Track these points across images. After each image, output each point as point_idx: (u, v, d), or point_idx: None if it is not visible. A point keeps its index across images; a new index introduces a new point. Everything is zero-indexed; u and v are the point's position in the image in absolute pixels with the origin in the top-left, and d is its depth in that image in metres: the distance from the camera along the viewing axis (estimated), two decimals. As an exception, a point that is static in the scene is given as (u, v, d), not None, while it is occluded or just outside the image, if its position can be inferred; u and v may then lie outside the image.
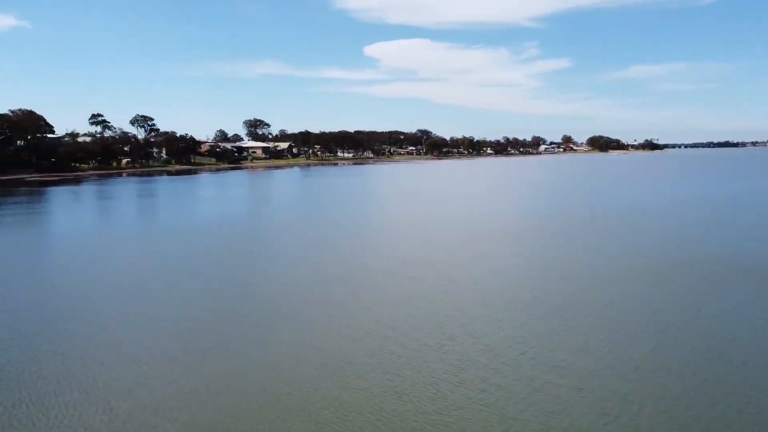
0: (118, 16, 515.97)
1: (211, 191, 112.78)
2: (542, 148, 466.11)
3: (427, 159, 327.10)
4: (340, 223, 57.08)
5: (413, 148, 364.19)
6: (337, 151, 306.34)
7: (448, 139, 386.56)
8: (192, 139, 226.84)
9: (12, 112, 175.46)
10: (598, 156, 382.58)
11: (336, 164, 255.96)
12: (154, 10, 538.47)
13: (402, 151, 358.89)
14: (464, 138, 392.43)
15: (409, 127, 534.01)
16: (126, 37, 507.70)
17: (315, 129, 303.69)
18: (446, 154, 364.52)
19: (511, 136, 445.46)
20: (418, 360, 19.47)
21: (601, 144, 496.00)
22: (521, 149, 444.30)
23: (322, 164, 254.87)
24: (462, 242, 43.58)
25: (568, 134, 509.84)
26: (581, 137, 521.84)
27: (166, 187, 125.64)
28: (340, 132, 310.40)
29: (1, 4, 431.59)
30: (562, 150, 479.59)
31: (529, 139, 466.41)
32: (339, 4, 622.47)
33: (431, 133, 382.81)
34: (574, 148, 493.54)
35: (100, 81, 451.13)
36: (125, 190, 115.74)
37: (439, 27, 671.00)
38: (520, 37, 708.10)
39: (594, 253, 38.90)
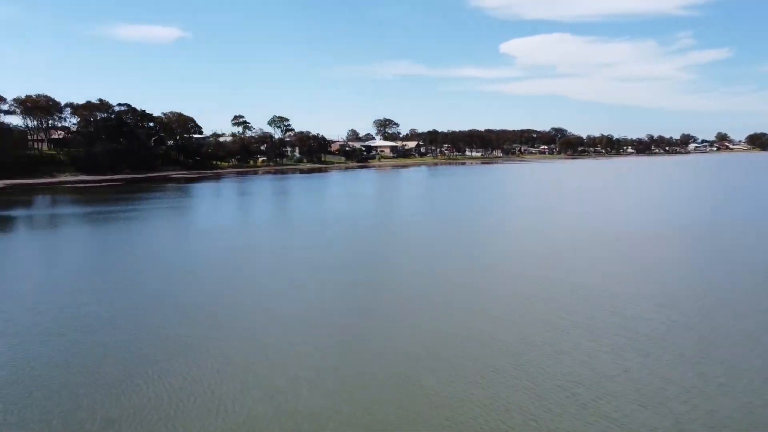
0: (265, 25, 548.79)
1: (342, 188, 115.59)
2: (691, 146, 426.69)
3: (559, 158, 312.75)
4: (444, 225, 54.96)
5: (545, 147, 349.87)
6: (465, 150, 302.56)
7: (584, 137, 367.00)
8: (323, 138, 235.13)
9: (164, 114, 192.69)
10: (760, 155, 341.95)
11: (464, 163, 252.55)
12: (295, 17, 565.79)
13: (533, 150, 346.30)
14: (602, 136, 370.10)
15: (543, 125, 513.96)
16: (271, 44, 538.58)
17: (444, 128, 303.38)
18: (581, 154, 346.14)
19: (655, 134, 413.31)
20: (443, 395, 17.03)
21: (762, 142, 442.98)
22: (667, 148, 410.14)
23: (449, 163, 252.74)
24: (563, 254, 39.68)
25: (724, 131, 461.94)
26: (740, 135, 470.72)
27: (300, 184, 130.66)
28: (469, 131, 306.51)
29: (168, 18, 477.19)
30: (715, 149, 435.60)
31: (676, 137, 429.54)
32: (475, 2, 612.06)
33: (566, 131, 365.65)
34: (730, 146, 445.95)
35: (246, 85, 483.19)
36: (263, 186, 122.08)
37: (580, 20, 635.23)
38: (671, 27, 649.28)
39: (714, 272, 33.49)
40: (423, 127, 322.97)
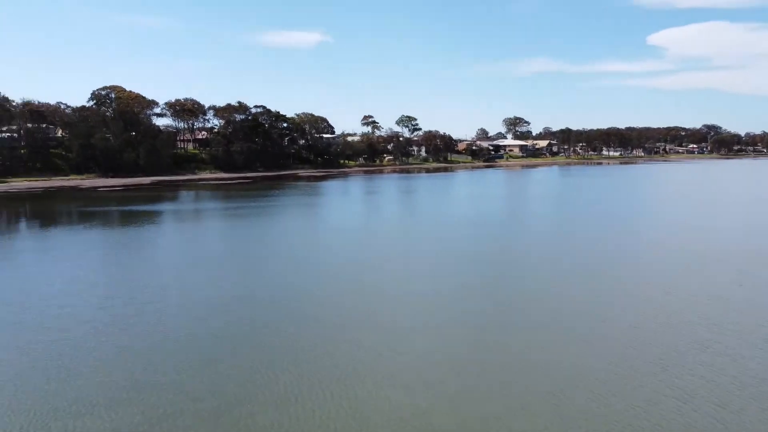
0: (401, 26, 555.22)
1: (467, 188, 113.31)
2: None
3: (711, 158, 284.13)
4: (564, 230, 51.23)
5: (695, 146, 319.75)
6: (601, 150, 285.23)
7: (741, 134, 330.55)
8: (449, 137, 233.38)
9: (297, 115, 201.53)
10: None
11: (600, 163, 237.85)
12: (431, 17, 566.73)
13: (680, 149, 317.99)
14: (764, 133, 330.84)
15: (693, 122, 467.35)
16: (405, 44, 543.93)
17: (579, 126, 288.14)
18: (737, 153, 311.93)
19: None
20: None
21: None
22: None
23: (584, 163, 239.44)
24: (679, 272, 34.96)
25: None
26: None
27: (426, 183, 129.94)
28: (607, 129, 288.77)
29: (310, 22, 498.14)
30: None
31: None
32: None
33: (720, 128, 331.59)
34: None
35: (379, 85, 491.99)
36: (389, 184, 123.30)
37: (741, 6, 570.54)
38: None
39: None
40: (556, 126, 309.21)
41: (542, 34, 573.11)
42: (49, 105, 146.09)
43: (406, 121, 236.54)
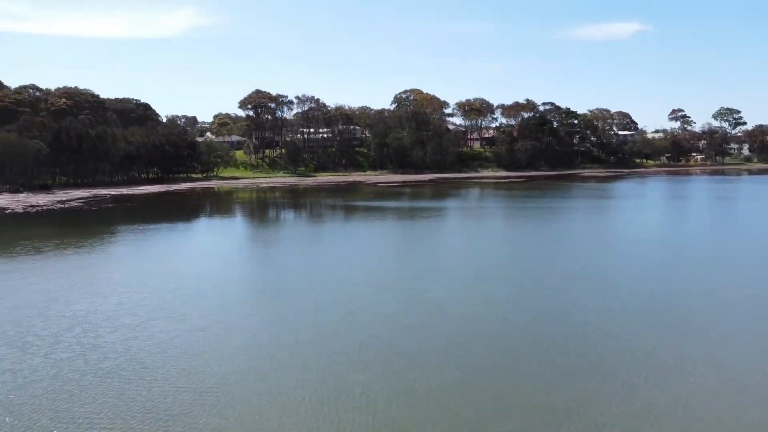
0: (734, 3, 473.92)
1: None
2: None
3: None
4: None
5: None
6: None
7: None
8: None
9: (590, 111, 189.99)
10: None
11: None
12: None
13: None
14: None
15: None
16: (737, 25, 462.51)
17: None
18: None
19: None
20: None
21: None
22: None
23: None
24: None
25: None
26: None
27: (754, 188, 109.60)
28: None
29: (626, 13, 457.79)
30: None
31: None
32: None
33: None
34: None
35: (698, 76, 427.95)
36: (700, 187, 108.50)
37: None
38: None
39: None
40: None
41: None
42: (357, 108, 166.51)
43: (726, 114, 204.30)
